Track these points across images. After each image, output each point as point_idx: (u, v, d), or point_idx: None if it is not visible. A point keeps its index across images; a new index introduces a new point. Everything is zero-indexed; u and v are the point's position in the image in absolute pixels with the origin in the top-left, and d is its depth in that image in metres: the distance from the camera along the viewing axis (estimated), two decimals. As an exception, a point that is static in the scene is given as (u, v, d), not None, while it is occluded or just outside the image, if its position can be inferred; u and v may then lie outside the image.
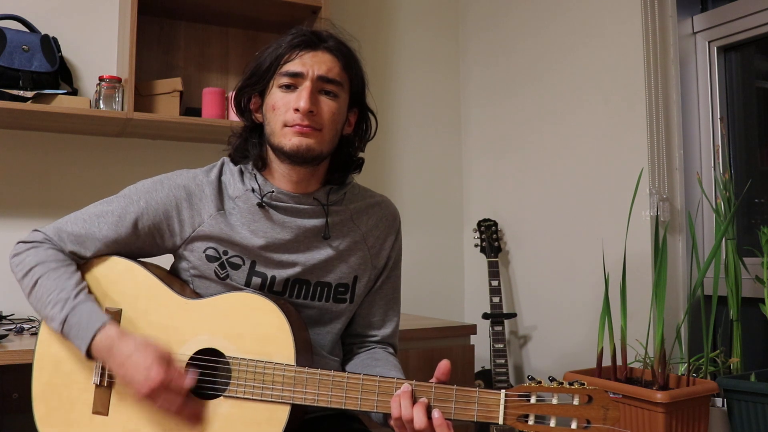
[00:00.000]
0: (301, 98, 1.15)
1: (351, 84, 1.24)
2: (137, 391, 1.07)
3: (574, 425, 1.00)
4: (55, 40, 2.05)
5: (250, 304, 1.14)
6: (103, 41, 2.21)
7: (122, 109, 1.99)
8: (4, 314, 1.91)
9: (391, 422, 1.07)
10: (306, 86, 1.16)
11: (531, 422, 1.00)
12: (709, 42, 2.16)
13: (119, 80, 2.03)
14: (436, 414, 1.02)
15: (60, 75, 2.05)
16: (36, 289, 1.15)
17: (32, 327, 1.78)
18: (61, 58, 2.06)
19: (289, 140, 1.16)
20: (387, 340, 1.34)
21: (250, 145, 1.24)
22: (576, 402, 1.00)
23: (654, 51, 2.07)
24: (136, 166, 2.23)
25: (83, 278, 1.19)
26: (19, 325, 1.78)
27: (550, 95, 2.41)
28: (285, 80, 1.17)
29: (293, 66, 1.17)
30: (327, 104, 1.18)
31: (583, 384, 1.01)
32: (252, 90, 1.23)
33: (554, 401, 1.01)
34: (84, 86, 2.17)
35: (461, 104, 2.87)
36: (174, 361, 1.10)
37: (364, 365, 1.27)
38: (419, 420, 1.01)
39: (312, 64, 1.17)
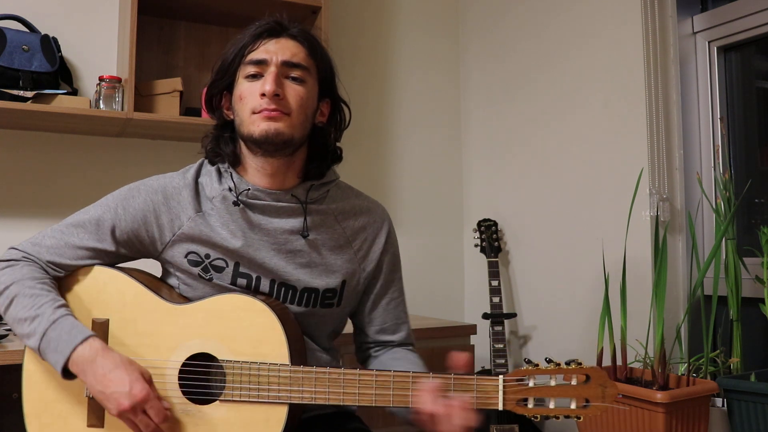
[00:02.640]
0: (266, 82, 1.14)
1: (318, 70, 1.21)
2: (117, 404, 1.03)
3: (573, 405, 1.00)
4: (55, 40, 2.05)
5: (240, 306, 1.12)
6: (103, 41, 2.21)
7: (122, 109, 1.99)
8: (4, 314, 1.91)
9: (419, 416, 1.05)
10: (271, 71, 1.15)
11: (530, 405, 1.00)
12: (709, 42, 2.16)
13: (119, 80, 2.03)
14: (457, 402, 1.00)
15: (60, 75, 2.05)
16: (12, 308, 1.10)
17: (32, 327, 1.78)
18: (61, 58, 2.06)
19: (258, 126, 1.14)
20: (405, 341, 1.33)
21: (222, 143, 1.22)
22: (574, 382, 1.00)
23: (654, 51, 2.06)
24: (136, 166, 2.23)
25: (63, 293, 1.16)
26: (19, 325, 1.78)
27: (550, 95, 2.41)
28: (250, 69, 1.16)
29: (257, 54, 1.16)
30: (294, 89, 1.16)
31: (580, 363, 1.00)
32: (220, 85, 1.21)
33: (552, 383, 1.00)
34: (84, 86, 2.17)
35: (461, 104, 2.87)
36: (153, 384, 1.08)
37: (381, 365, 1.26)
38: (448, 413, 1.00)
39: (276, 50, 1.16)
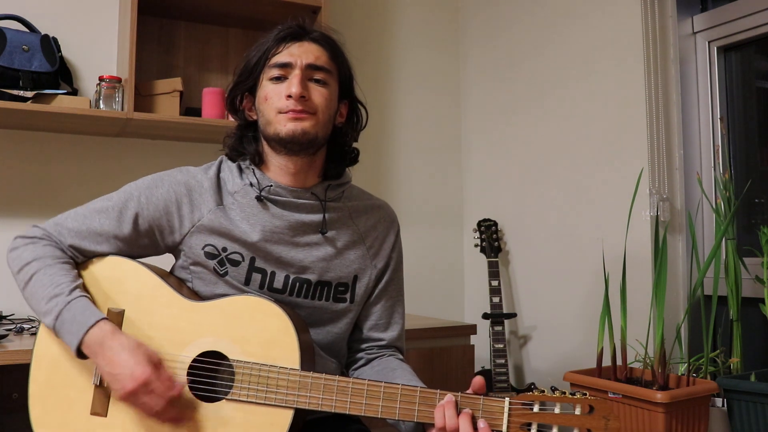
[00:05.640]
0: (292, 84, 1.18)
1: (339, 73, 1.26)
2: (122, 386, 1.05)
3: None
4: (55, 40, 2.05)
5: (256, 307, 1.14)
6: (103, 41, 2.21)
7: (122, 109, 1.99)
8: (4, 314, 1.91)
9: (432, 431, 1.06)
10: (296, 74, 1.19)
11: (534, 431, 1.01)
12: (709, 42, 2.16)
13: (119, 80, 2.03)
14: (482, 424, 1.01)
15: (60, 75, 2.05)
16: (30, 284, 1.14)
17: (32, 327, 1.78)
18: (61, 58, 2.06)
19: (285, 126, 1.18)
20: (394, 343, 1.34)
21: (245, 142, 1.26)
22: (578, 412, 1.01)
23: (654, 51, 2.07)
24: (136, 166, 2.23)
25: (83, 277, 1.18)
26: (19, 325, 1.78)
27: (551, 95, 2.41)
28: (275, 72, 1.20)
29: (281, 57, 1.20)
30: (318, 90, 1.20)
31: (585, 394, 1.02)
32: (243, 86, 1.25)
33: (557, 410, 1.02)
34: (84, 86, 2.17)
35: (461, 104, 2.87)
36: (163, 365, 1.09)
37: (381, 375, 1.25)
38: (465, 430, 1.01)
39: (300, 54, 1.20)
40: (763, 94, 2.13)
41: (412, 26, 2.80)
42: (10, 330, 1.73)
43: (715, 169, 2.10)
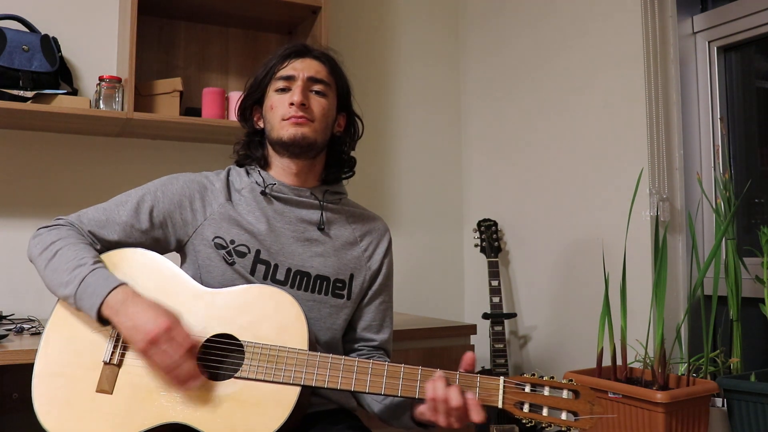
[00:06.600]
0: (294, 94, 1.32)
1: (337, 87, 1.40)
2: (145, 333, 1.09)
3: (563, 416, 1.08)
4: (55, 40, 2.05)
5: (269, 295, 1.21)
6: (103, 41, 2.22)
7: (122, 109, 1.99)
8: (4, 314, 1.91)
9: (422, 407, 1.13)
10: (298, 85, 1.33)
11: (526, 409, 1.09)
12: (709, 42, 2.16)
13: (119, 80, 2.03)
14: (470, 395, 1.09)
15: (60, 75, 2.05)
16: (54, 260, 1.19)
17: (32, 327, 1.78)
18: (61, 58, 2.06)
19: (287, 131, 1.31)
20: (384, 345, 1.42)
21: (252, 147, 1.40)
22: (565, 395, 1.10)
23: (654, 51, 2.07)
24: (136, 166, 2.23)
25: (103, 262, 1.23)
26: (19, 325, 1.78)
27: (550, 95, 2.41)
28: (280, 84, 1.35)
29: (286, 71, 1.35)
30: (317, 100, 1.34)
31: (572, 381, 1.11)
32: (253, 98, 1.39)
33: (546, 393, 1.10)
34: (84, 86, 2.17)
35: (461, 104, 2.88)
36: (181, 322, 1.15)
37: None
38: (455, 398, 1.07)
39: (302, 68, 1.35)
40: (763, 94, 2.13)
41: (413, 26, 2.80)
42: (10, 330, 1.73)
43: (715, 169, 2.10)
